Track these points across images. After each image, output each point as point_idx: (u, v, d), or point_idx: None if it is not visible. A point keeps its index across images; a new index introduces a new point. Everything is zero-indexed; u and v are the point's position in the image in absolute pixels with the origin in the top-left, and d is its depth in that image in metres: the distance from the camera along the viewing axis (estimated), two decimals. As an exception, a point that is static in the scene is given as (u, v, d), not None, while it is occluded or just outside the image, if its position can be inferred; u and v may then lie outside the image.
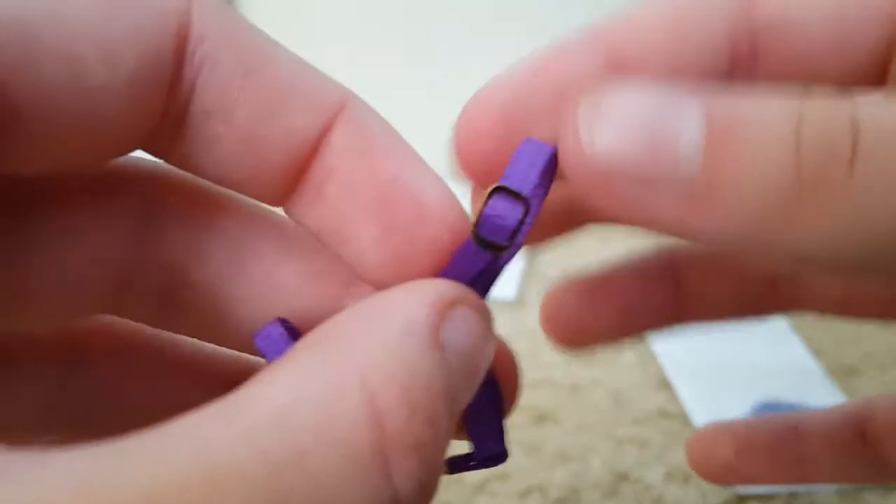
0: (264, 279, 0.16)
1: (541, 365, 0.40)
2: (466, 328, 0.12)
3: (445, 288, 0.13)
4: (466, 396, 0.13)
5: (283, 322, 0.15)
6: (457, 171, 0.16)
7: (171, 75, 0.13)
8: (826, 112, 0.10)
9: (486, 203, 0.14)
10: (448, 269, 0.15)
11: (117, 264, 0.16)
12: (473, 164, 0.15)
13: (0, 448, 0.09)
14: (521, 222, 0.13)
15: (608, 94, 0.12)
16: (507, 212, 0.14)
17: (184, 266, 0.16)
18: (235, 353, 0.18)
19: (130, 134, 0.14)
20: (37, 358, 0.16)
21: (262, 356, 0.15)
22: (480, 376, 0.13)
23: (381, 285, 0.15)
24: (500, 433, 0.17)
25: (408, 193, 0.14)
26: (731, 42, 0.15)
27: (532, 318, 0.46)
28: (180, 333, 0.17)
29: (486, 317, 0.13)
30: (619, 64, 0.15)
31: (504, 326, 0.47)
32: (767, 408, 0.36)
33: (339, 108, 0.15)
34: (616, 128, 0.11)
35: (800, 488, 0.33)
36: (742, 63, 0.15)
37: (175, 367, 0.18)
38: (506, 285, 0.47)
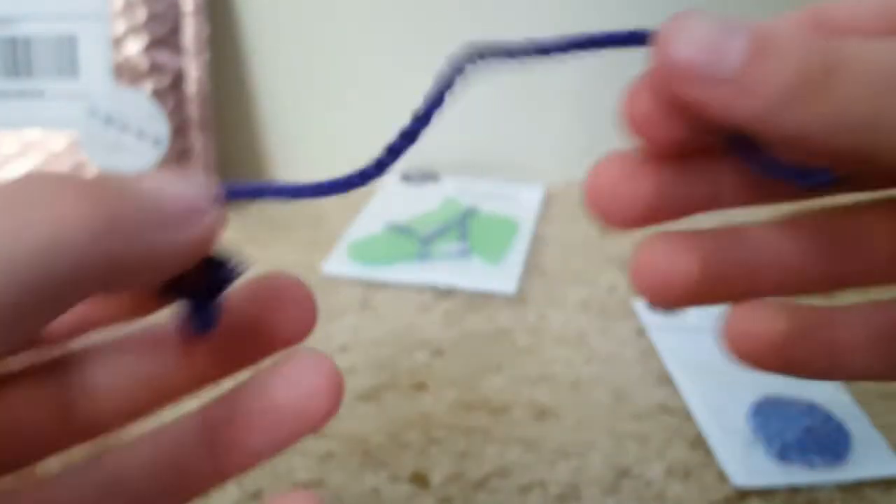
0: None
1: (542, 361, 0.40)
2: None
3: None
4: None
5: None
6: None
7: None
8: (822, 41, 0.16)
9: None
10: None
11: None
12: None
13: None
14: None
15: (690, 19, 0.17)
16: None
17: None
18: None
19: None
20: None
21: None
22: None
23: None
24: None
25: None
26: None
27: (533, 314, 0.46)
28: None
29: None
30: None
31: (504, 321, 0.47)
32: (769, 403, 0.36)
33: None
34: (691, 43, 0.16)
35: (800, 482, 0.33)
36: None
37: None
38: (506, 280, 0.47)
